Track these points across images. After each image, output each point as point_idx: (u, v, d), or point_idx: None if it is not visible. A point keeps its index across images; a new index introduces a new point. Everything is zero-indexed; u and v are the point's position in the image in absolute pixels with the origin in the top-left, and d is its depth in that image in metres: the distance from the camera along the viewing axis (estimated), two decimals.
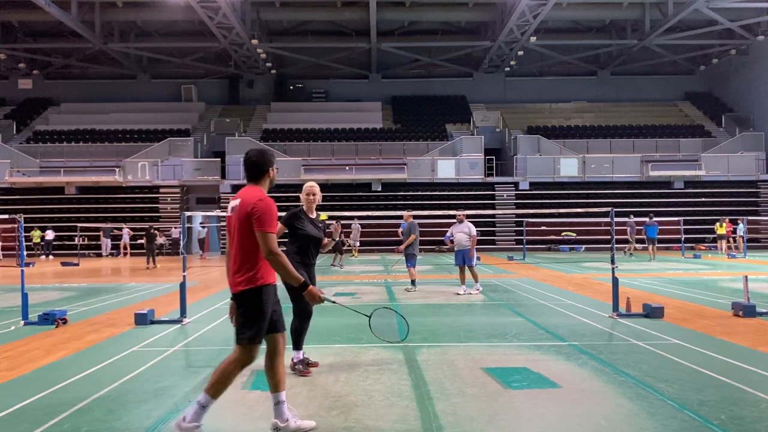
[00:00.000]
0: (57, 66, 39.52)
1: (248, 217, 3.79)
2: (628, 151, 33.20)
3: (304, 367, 5.71)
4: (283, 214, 5.59)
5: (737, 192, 31.87)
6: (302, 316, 5.77)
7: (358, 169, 31.68)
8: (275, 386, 4.03)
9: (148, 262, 21.22)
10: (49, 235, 28.78)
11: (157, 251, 22.41)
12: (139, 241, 29.40)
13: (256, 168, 4.00)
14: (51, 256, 28.42)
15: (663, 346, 6.77)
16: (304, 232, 5.77)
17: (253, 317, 3.82)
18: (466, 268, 11.99)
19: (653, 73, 40.77)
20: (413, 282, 12.71)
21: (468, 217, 12.51)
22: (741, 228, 25.94)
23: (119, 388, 5.25)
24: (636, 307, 9.14)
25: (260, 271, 3.84)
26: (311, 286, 3.98)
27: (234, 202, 3.94)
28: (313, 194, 5.88)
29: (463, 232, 11.81)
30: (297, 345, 5.77)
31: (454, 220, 12.22)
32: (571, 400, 4.77)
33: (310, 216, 5.88)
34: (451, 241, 12.07)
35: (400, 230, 15.24)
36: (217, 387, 3.85)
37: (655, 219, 23.38)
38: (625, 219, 24.62)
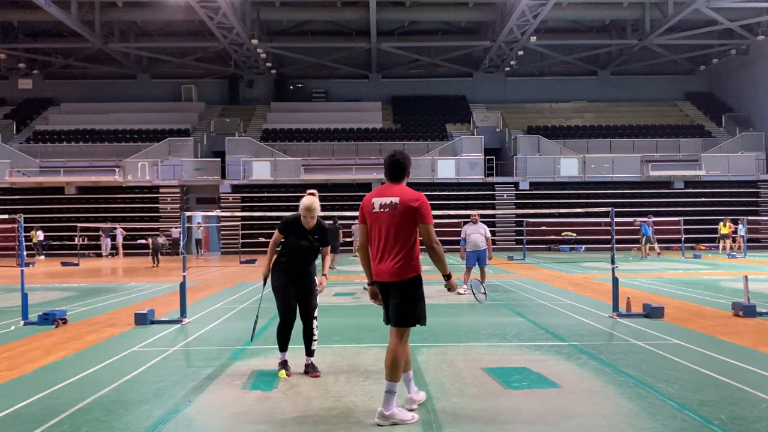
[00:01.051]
0: (57, 66, 39.51)
1: (413, 212, 4.22)
2: (628, 151, 33.20)
3: (283, 368, 5.69)
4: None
5: (737, 192, 31.86)
6: (285, 318, 5.70)
7: (358, 169, 31.67)
8: (406, 367, 4.42)
9: (153, 262, 21.61)
10: (40, 235, 28.72)
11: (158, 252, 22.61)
12: (139, 241, 29.46)
13: (403, 168, 4.41)
14: (44, 256, 28.40)
15: (663, 346, 6.77)
16: (290, 242, 5.67)
17: (421, 299, 4.33)
18: (475, 268, 11.93)
19: (653, 73, 40.76)
20: None
21: (469, 217, 12.49)
22: (741, 228, 25.95)
23: (119, 388, 5.25)
24: (636, 307, 9.14)
25: (417, 259, 4.32)
26: (453, 278, 4.37)
27: (386, 199, 4.29)
28: (309, 209, 5.62)
29: (479, 233, 11.77)
30: (282, 347, 5.72)
31: (455, 221, 12.21)
32: (571, 400, 4.77)
33: (306, 227, 5.67)
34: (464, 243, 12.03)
35: None
36: (397, 371, 4.27)
37: (639, 219, 23.39)
38: (644, 219, 24.47)
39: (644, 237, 23.65)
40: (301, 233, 5.66)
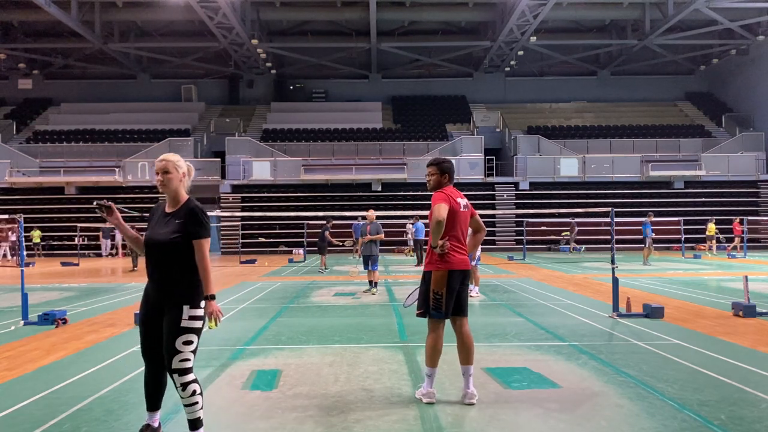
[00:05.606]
0: (57, 66, 39.52)
1: (472, 210, 5.13)
2: (628, 151, 33.21)
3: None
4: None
5: (737, 192, 31.87)
6: (145, 360, 3.78)
7: (358, 169, 31.67)
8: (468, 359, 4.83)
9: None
10: (12, 236, 28.59)
11: None
12: None
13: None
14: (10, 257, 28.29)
15: (663, 346, 6.77)
16: (146, 236, 3.76)
17: None
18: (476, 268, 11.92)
19: (653, 73, 40.78)
20: (376, 284, 12.58)
21: None
22: None
23: (119, 388, 5.25)
24: (636, 307, 9.14)
25: None
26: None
27: (462, 200, 5.00)
28: (165, 172, 3.68)
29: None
30: (149, 404, 3.83)
31: None
32: (571, 400, 4.77)
33: (167, 210, 3.73)
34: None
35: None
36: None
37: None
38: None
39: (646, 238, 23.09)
40: (160, 219, 3.73)
